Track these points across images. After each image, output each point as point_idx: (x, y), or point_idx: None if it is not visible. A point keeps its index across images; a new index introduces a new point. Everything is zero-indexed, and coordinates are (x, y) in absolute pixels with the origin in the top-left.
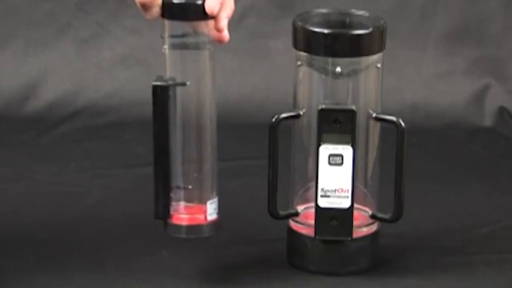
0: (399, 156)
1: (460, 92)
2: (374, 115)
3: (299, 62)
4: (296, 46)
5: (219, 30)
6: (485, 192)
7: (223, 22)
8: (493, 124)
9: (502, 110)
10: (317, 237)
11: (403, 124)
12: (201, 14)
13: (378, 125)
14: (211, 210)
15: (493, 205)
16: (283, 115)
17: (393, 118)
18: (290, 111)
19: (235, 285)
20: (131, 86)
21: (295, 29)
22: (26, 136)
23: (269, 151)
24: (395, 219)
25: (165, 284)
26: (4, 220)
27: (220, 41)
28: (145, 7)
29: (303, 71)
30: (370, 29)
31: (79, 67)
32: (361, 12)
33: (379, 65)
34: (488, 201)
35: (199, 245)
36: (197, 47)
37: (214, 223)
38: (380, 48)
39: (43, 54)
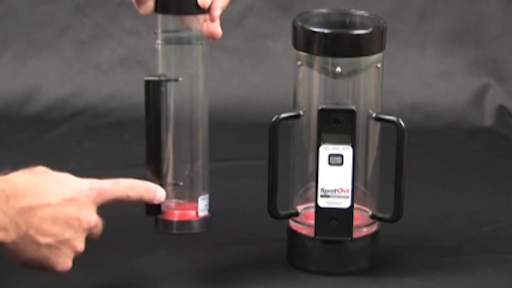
0: (399, 156)
1: (460, 92)
2: (374, 115)
3: (299, 62)
4: (296, 46)
5: (212, 19)
6: (485, 192)
7: (217, 12)
8: (493, 124)
9: (502, 110)
10: (317, 237)
11: (403, 124)
12: (195, 8)
13: (378, 125)
14: (202, 206)
15: (493, 205)
16: (283, 115)
17: (393, 118)
18: (290, 111)
19: (235, 285)
20: (130, 87)
21: (295, 29)
22: (26, 136)
23: (269, 151)
24: (395, 219)
25: (165, 284)
26: None
27: (213, 37)
28: (140, 2)
29: (303, 71)
30: (370, 29)
31: (78, 69)
32: (361, 12)
33: (379, 65)
34: (488, 201)
35: (198, 245)
36: (190, 41)
37: (205, 220)
38: (380, 48)
39: (42, 55)
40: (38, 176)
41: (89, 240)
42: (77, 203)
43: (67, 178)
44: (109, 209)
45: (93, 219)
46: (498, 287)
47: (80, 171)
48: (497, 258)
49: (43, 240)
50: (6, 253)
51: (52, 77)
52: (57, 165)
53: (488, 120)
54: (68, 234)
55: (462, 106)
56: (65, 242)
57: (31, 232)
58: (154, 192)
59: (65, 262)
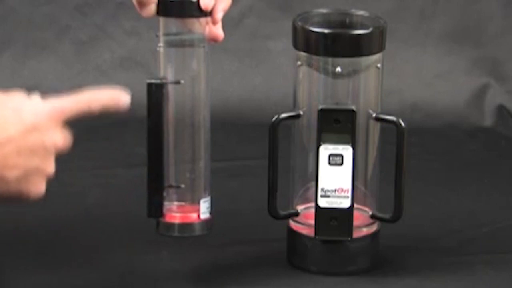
0: (399, 156)
1: (460, 92)
2: (374, 115)
3: (299, 62)
4: (296, 46)
5: (214, 22)
6: (485, 192)
7: (219, 15)
8: (493, 124)
9: (502, 110)
10: (317, 237)
11: (403, 124)
12: (197, 10)
13: (378, 125)
14: (204, 209)
15: (493, 205)
16: (283, 115)
17: (393, 118)
18: (290, 111)
19: (234, 285)
20: (130, 88)
21: (295, 29)
22: None
23: (269, 151)
24: (395, 219)
25: (165, 284)
26: (4, 219)
27: (215, 39)
28: (141, 5)
29: (303, 71)
30: (370, 29)
31: (78, 69)
32: (361, 12)
33: (379, 65)
34: (488, 201)
35: (198, 245)
36: (192, 44)
37: (207, 222)
38: (380, 48)
39: (42, 56)
40: None
41: (58, 155)
42: (39, 128)
43: (24, 104)
44: (112, 208)
45: (59, 140)
46: (498, 287)
47: (80, 171)
48: (497, 258)
49: (11, 174)
50: None
51: (52, 77)
52: (57, 165)
53: (488, 120)
54: (35, 162)
55: (462, 106)
56: (33, 170)
57: None
58: (118, 99)
59: (37, 189)
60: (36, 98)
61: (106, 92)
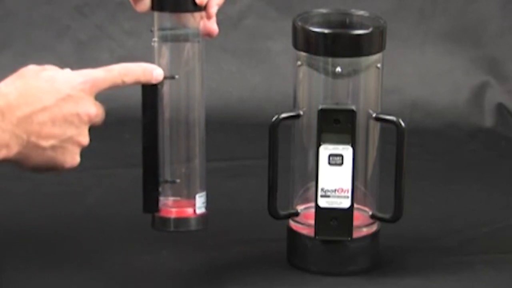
0: (399, 156)
1: (460, 92)
2: (374, 115)
3: (299, 62)
4: (296, 46)
5: (209, 17)
6: (485, 192)
7: (213, 9)
8: (493, 124)
9: (502, 110)
10: (317, 237)
11: (403, 124)
12: (191, 5)
13: (378, 125)
14: (199, 204)
15: (493, 205)
16: (283, 115)
17: (393, 118)
18: (290, 111)
19: (235, 285)
20: (130, 88)
21: (295, 29)
22: None
23: (269, 151)
24: (395, 219)
25: (165, 284)
26: (4, 219)
27: (209, 34)
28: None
29: (303, 71)
30: (370, 29)
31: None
32: (361, 12)
33: (379, 65)
34: (488, 201)
35: (198, 245)
36: (186, 39)
37: (202, 217)
38: (380, 48)
39: (42, 56)
40: (29, 80)
41: (93, 128)
42: (73, 99)
43: (59, 75)
44: (112, 208)
45: (92, 111)
46: (498, 287)
47: (80, 171)
48: (497, 258)
49: (46, 143)
50: (12, 163)
51: None
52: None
53: (488, 120)
54: (69, 131)
55: (462, 106)
56: (68, 140)
57: (33, 139)
58: (151, 72)
59: (72, 159)
60: (68, 70)
61: (140, 66)
